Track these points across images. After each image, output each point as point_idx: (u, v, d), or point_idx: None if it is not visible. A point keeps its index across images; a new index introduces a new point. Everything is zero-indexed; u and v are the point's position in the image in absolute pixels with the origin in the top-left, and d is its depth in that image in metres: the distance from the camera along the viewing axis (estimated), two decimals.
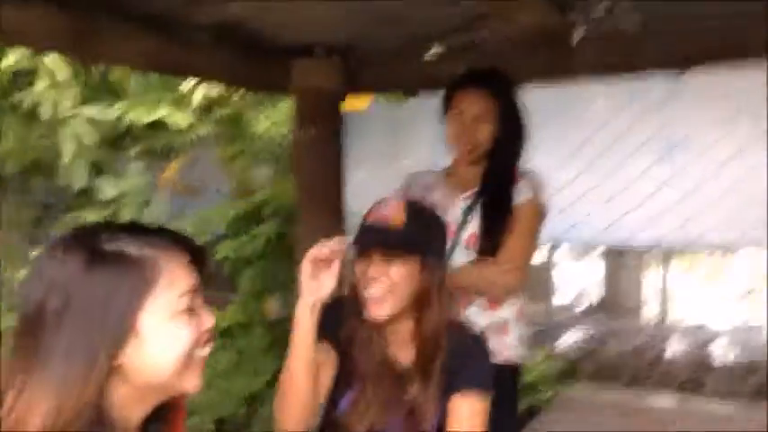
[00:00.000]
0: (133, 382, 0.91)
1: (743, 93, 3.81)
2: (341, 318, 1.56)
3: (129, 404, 0.92)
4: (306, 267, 1.42)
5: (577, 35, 2.43)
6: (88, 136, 4.16)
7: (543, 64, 2.53)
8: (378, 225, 1.51)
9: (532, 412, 4.40)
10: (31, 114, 3.93)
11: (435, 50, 3.15)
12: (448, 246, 2.02)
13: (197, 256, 0.97)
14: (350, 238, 1.54)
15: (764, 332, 6.39)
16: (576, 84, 3.02)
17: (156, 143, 4.72)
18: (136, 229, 0.94)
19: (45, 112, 3.82)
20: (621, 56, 2.40)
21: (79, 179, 4.27)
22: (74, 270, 0.87)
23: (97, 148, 4.39)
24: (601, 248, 7.86)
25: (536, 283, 6.55)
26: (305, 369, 1.45)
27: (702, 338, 6.51)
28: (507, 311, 2.06)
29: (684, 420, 4.01)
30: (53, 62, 3.72)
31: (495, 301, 2.04)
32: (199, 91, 4.33)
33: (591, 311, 8.34)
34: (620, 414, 3.73)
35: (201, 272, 0.98)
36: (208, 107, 4.62)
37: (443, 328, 1.53)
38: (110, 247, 0.90)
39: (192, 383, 0.96)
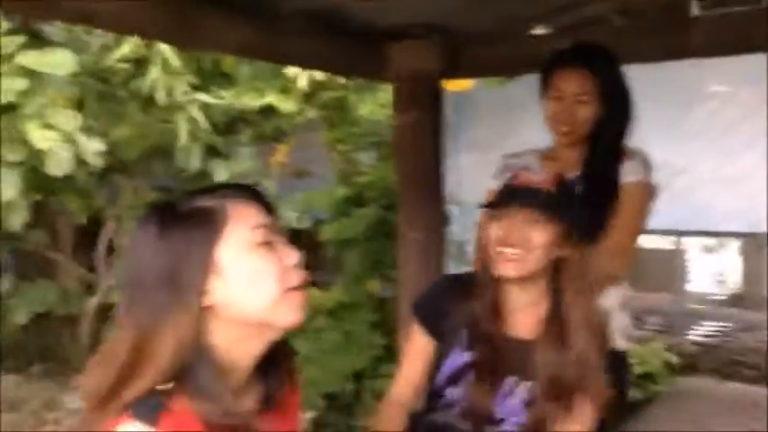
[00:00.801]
0: (229, 320, 0.97)
1: None
2: (442, 302, 1.59)
3: (233, 345, 0.98)
4: None
5: (694, 8, 2.27)
6: (202, 120, 4.33)
7: (657, 44, 2.35)
8: (527, 187, 1.47)
9: (644, 404, 4.21)
10: (148, 102, 4.14)
11: (541, 30, 3.03)
12: None
13: (260, 198, 1.03)
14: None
15: None
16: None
17: (265, 128, 4.85)
18: (205, 187, 1.03)
19: (160, 97, 4.00)
20: (738, 36, 2.19)
21: (194, 162, 4.47)
22: (153, 236, 0.96)
23: (210, 133, 4.57)
24: (738, 239, 7.38)
25: (666, 272, 6.24)
26: None
27: None
28: (610, 300, 1.95)
29: None
30: (165, 51, 3.89)
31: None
32: (303, 76, 4.40)
33: (726, 303, 7.89)
34: (731, 410, 3.47)
35: (270, 213, 1.02)
36: (314, 91, 4.69)
37: (594, 312, 1.49)
38: (183, 206, 0.99)
39: (290, 317, 1.00)
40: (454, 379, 1.54)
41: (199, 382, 0.93)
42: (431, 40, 2.75)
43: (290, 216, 4.80)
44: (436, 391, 1.58)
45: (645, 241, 7.55)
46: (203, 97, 4.30)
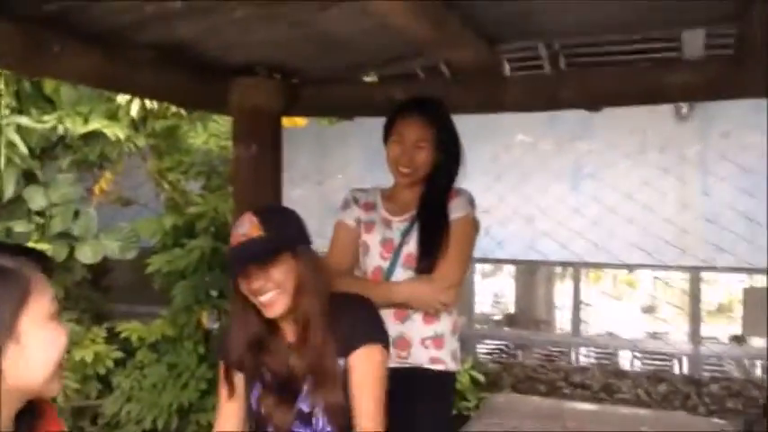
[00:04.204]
0: (6, 385, 0.94)
1: (649, 128, 4.13)
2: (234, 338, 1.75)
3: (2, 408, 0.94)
4: None
5: (506, 69, 2.62)
6: (20, 144, 4.08)
7: (474, 97, 2.67)
8: (241, 245, 1.64)
9: (462, 418, 4.56)
10: None
11: (373, 77, 3.30)
12: (387, 264, 2.16)
13: (49, 267, 1.03)
14: None
15: (666, 344, 6.77)
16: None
17: (89, 153, 4.66)
18: (3, 245, 1.00)
19: None
20: (544, 94, 2.57)
21: (9, 188, 4.19)
22: None
23: (29, 158, 4.31)
24: (513, 266, 8.19)
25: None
26: None
27: (611, 348, 6.84)
28: (443, 325, 2.19)
29: (600, 422, 4.19)
30: None
31: (431, 316, 2.17)
32: (135, 103, 4.32)
33: (505, 323, 8.69)
34: (540, 417, 3.89)
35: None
36: (143, 118, 4.60)
37: (323, 301, 1.66)
38: None
39: (56, 388, 1.01)
40: (258, 407, 1.72)
41: None
42: (272, 79, 2.89)
43: (113, 246, 4.63)
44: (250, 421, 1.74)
45: None
46: (22, 120, 4.07)
